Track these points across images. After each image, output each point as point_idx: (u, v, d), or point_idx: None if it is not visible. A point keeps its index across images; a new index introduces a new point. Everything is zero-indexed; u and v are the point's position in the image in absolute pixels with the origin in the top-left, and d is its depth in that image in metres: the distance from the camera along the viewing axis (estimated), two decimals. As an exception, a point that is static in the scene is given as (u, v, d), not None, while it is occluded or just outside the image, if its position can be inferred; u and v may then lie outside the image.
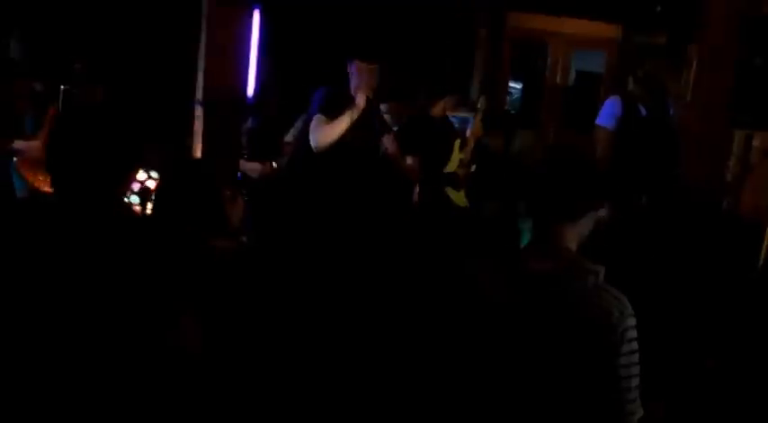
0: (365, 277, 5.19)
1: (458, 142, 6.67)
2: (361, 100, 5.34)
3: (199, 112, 5.60)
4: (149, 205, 4.81)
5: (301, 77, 7.57)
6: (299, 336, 4.24)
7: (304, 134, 5.58)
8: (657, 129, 5.61)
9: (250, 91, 6.95)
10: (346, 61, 5.65)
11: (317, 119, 5.40)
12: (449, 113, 6.91)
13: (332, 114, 5.36)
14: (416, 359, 3.97)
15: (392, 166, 5.96)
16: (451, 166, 6.63)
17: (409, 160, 6.17)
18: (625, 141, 5.52)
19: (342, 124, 5.31)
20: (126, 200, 4.68)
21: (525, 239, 2.71)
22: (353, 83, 5.57)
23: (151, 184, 4.84)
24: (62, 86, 5.43)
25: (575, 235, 2.60)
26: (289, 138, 6.61)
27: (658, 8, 8.55)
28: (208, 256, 3.25)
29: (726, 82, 5.19)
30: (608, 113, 5.64)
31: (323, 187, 5.46)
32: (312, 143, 5.39)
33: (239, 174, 6.03)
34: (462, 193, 6.66)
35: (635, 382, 2.46)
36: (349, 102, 5.40)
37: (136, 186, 4.85)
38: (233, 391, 3.40)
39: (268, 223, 5.49)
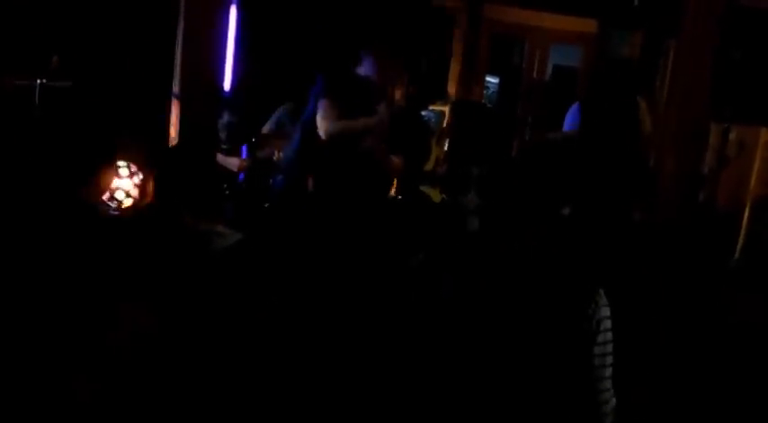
0: (351, 272, 5.17)
1: (434, 140, 6.68)
2: (385, 113, 5.21)
3: (176, 105, 5.59)
4: (133, 196, 4.79)
5: (278, 71, 7.55)
6: (287, 326, 4.24)
7: (308, 123, 5.40)
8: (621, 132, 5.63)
9: (227, 85, 6.95)
10: (361, 53, 5.46)
11: (326, 105, 5.20)
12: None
13: (339, 99, 5.19)
14: (394, 355, 3.98)
15: (375, 161, 5.91)
16: (430, 164, 6.66)
17: (394, 159, 6.15)
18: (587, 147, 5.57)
19: (364, 126, 5.16)
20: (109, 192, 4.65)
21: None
22: (376, 75, 5.36)
23: (128, 176, 4.82)
24: (38, 80, 5.40)
25: (549, 227, 2.62)
26: (266, 129, 6.61)
27: (636, 2, 8.58)
28: (201, 241, 3.26)
29: (704, 75, 5.20)
30: (570, 122, 5.76)
31: (329, 181, 5.34)
32: (322, 130, 5.18)
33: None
34: (437, 190, 6.67)
35: (609, 371, 2.48)
36: (357, 87, 5.25)
37: (116, 179, 4.83)
38: (217, 379, 3.41)
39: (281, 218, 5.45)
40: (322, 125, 5.15)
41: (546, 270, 2.52)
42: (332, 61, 5.70)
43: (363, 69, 5.34)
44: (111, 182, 4.79)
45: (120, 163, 4.77)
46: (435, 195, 6.64)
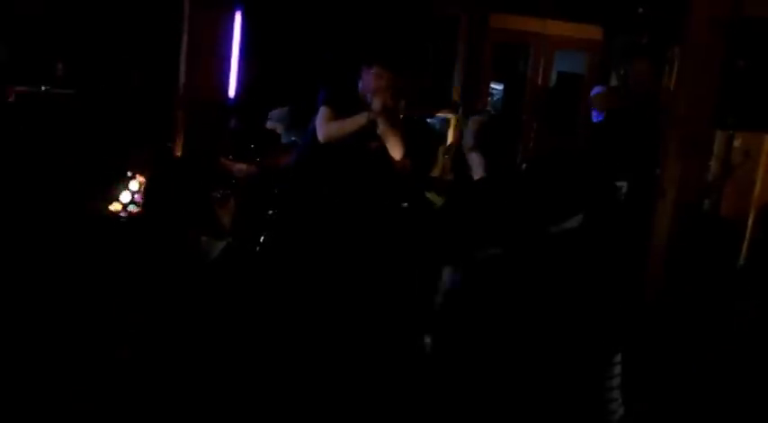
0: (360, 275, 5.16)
1: (442, 147, 6.67)
2: (378, 105, 5.25)
3: (181, 112, 5.59)
4: (137, 205, 4.79)
5: (283, 78, 7.55)
6: (295, 331, 4.24)
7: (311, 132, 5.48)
8: (639, 124, 5.74)
9: (232, 92, 6.95)
10: (362, 66, 5.51)
11: (324, 112, 5.30)
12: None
13: (338, 108, 5.26)
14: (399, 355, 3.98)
15: (386, 166, 5.91)
16: (437, 171, 6.64)
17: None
18: (608, 132, 5.70)
19: (355, 123, 5.23)
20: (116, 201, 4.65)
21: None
22: (368, 87, 5.45)
23: (136, 185, 4.82)
24: (43, 87, 5.41)
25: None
26: (270, 125, 6.62)
27: (640, 10, 8.57)
28: (196, 252, 3.27)
29: (708, 83, 5.18)
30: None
31: (329, 187, 5.38)
32: (319, 136, 5.29)
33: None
34: (443, 199, 6.66)
35: (617, 381, 2.47)
36: (356, 100, 5.32)
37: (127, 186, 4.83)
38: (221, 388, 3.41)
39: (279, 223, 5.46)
40: (319, 130, 5.24)
41: (555, 279, 2.52)
42: (335, 73, 5.73)
43: (362, 83, 5.41)
44: (115, 190, 4.79)
45: (126, 171, 4.77)
46: (440, 202, 6.63)
